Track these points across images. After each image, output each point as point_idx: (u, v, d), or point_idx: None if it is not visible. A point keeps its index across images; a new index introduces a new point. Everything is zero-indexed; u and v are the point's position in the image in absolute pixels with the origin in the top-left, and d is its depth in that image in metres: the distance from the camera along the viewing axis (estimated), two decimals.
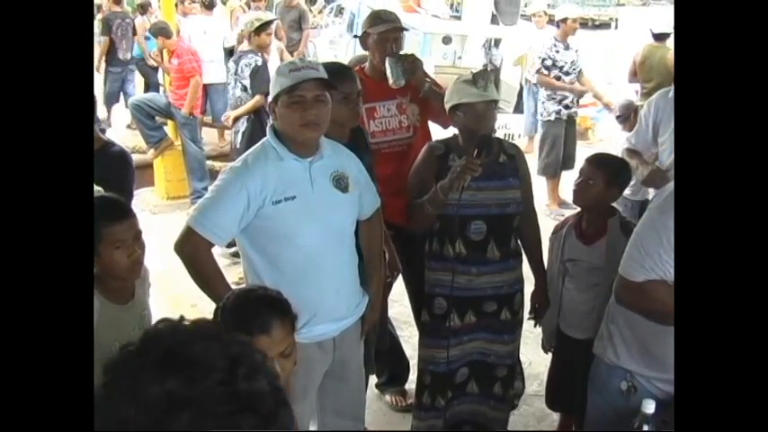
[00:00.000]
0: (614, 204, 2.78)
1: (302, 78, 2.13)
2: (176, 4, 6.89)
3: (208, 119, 7.41)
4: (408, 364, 3.52)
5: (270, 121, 2.35)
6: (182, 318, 0.90)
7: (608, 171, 2.63)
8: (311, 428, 2.56)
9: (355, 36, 6.67)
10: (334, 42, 10.98)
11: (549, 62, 5.94)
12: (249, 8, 7.72)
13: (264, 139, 2.27)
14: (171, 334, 0.85)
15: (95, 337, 1.86)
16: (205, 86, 6.85)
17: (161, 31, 6.07)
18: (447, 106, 2.61)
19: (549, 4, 9.83)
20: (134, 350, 0.83)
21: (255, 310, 1.65)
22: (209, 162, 6.55)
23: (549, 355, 3.02)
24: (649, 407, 1.75)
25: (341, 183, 2.28)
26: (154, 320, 2.12)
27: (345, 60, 5.85)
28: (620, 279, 1.95)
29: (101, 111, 7.55)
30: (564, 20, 6.03)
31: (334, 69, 2.71)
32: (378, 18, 3.11)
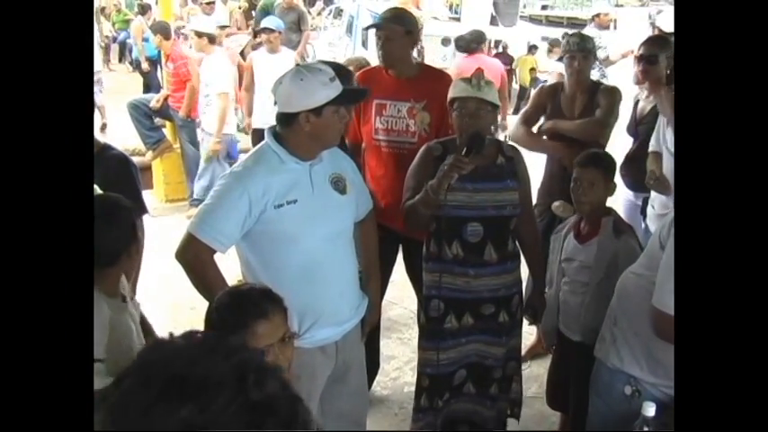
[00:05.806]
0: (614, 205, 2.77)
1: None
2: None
3: None
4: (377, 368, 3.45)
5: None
6: (171, 335, 0.86)
7: (604, 167, 2.65)
8: None
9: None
10: (333, 44, 10.98)
11: None
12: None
13: (263, 143, 2.24)
14: (170, 358, 0.81)
15: (102, 336, 1.86)
16: None
17: (162, 29, 6.05)
18: (447, 104, 2.61)
19: (543, 6, 9.87)
20: (134, 382, 0.79)
21: (252, 299, 1.70)
22: None
23: (548, 356, 3.01)
24: (650, 410, 1.73)
25: (339, 184, 2.27)
26: (153, 324, 2.13)
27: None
28: (657, 313, 1.81)
29: None
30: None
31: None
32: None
